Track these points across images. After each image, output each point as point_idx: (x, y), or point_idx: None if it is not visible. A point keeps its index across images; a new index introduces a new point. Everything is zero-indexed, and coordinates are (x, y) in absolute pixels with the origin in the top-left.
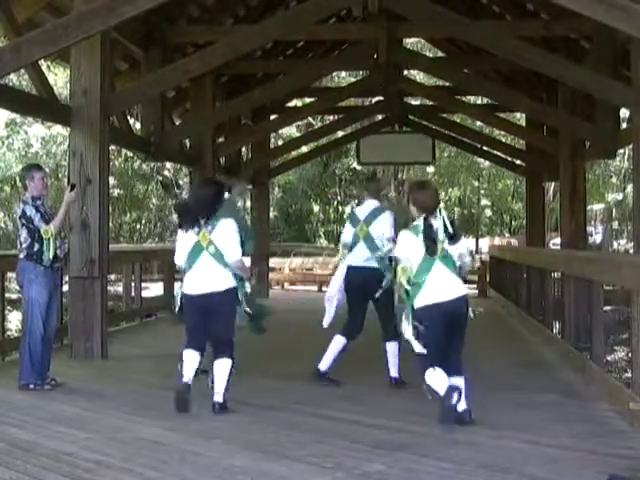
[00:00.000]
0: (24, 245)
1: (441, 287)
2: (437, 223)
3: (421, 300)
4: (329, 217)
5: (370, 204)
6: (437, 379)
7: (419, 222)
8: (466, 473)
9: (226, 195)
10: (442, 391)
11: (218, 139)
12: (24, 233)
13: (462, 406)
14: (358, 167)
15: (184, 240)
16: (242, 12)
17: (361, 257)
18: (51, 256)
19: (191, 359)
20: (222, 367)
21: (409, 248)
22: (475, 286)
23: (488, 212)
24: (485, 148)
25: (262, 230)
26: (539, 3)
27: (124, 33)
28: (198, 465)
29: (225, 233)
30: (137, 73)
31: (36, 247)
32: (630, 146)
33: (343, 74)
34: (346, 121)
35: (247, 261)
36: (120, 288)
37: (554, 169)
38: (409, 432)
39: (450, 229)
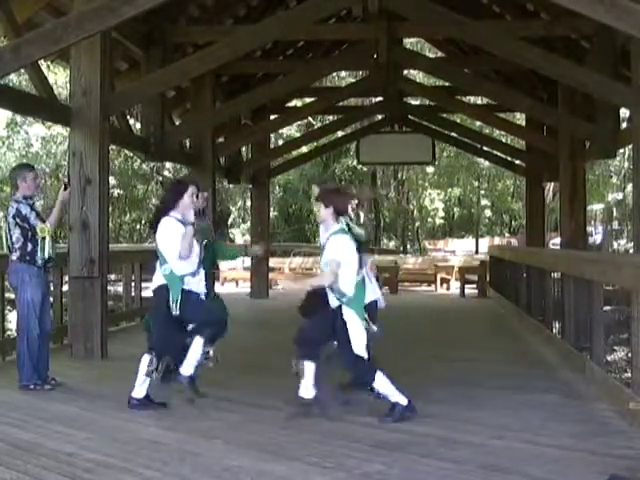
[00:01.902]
0: (17, 245)
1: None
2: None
3: (369, 296)
4: None
5: None
6: (385, 382)
7: (341, 224)
8: (466, 473)
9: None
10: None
11: (218, 139)
12: (17, 233)
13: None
14: (358, 166)
15: None
16: (242, 12)
17: None
18: (46, 255)
19: None
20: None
21: (347, 249)
22: (475, 286)
23: (488, 212)
24: (485, 148)
25: (262, 230)
26: (539, 3)
27: (124, 33)
28: (198, 465)
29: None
30: (137, 73)
31: (29, 247)
32: (630, 146)
33: (343, 74)
34: (346, 121)
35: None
36: (120, 288)
37: (554, 169)
38: (409, 432)
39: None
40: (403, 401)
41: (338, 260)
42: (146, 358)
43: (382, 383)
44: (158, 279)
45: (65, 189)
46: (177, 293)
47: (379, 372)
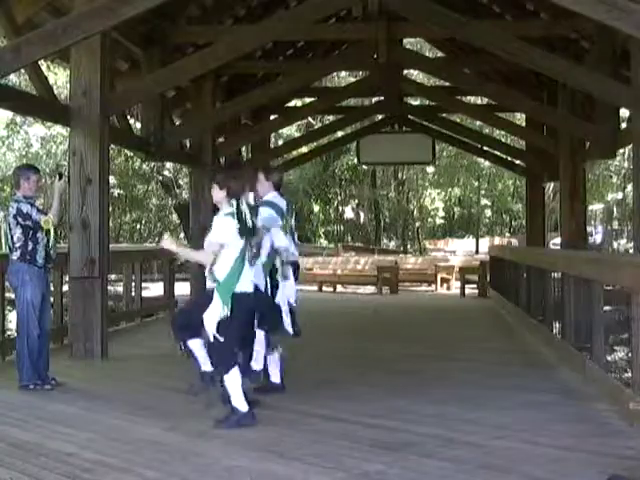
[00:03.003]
0: (17, 245)
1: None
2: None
3: (240, 286)
4: (329, 217)
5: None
6: (235, 381)
7: (232, 208)
8: (466, 473)
9: None
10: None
11: (218, 139)
12: (18, 232)
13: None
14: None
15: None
16: (242, 12)
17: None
18: (50, 248)
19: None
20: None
21: (230, 233)
22: (475, 286)
23: (488, 212)
24: (485, 148)
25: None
26: (539, 3)
27: (124, 33)
28: (198, 465)
29: None
30: (137, 73)
31: (30, 247)
32: (630, 146)
33: (343, 74)
34: (346, 121)
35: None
36: (120, 288)
37: (554, 169)
38: (409, 432)
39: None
40: (243, 408)
41: (221, 242)
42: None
43: (232, 382)
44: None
45: (60, 178)
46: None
47: (236, 369)
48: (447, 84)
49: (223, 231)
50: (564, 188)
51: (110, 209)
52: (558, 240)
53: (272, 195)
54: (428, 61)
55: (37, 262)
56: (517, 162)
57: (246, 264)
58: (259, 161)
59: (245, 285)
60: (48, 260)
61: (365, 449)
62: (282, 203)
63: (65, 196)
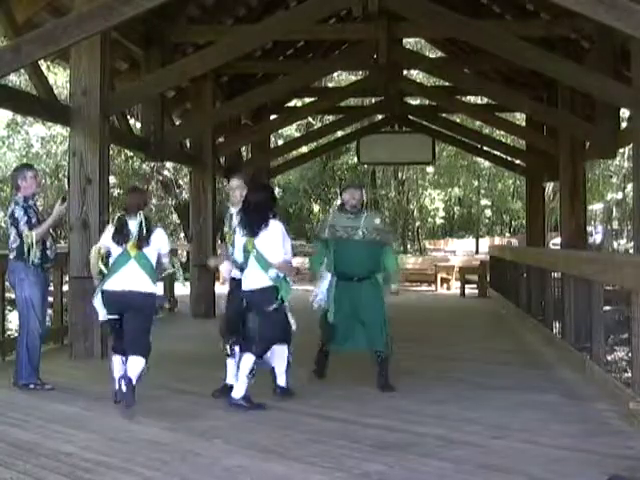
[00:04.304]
0: (13, 245)
1: (122, 277)
2: (134, 223)
3: (108, 285)
4: None
5: None
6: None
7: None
8: (466, 473)
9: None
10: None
11: (218, 139)
12: (13, 233)
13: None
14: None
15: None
16: (242, 12)
17: None
18: (47, 249)
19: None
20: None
21: (106, 238)
22: (475, 286)
23: (488, 212)
24: (485, 148)
25: None
26: (539, 3)
27: (124, 33)
28: (198, 465)
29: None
30: (137, 73)
31: (26, 247)
32: (630, 146)
33: (343, 74)
34: (346, 121)
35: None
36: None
37: (554, 169)
38: (409, 432)
39: (143, 231)
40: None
41: (101, 242)
42: (250, 359)
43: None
44: (261, 281)
45: (63, 202)
46: (289, 293)
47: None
48: (447, 84)
49: (104, 235)
50: (564, 188)
51: (110, 209)
52: (558, 240)
53: None
54: (428, 61)
55: (33, 261)
56: (517, 162)
57: (124, 267)
58: (259, 161)
59: (113, 285)
60: (45, 260)
61: (365, 449)
62: None
63: (60, 220)
